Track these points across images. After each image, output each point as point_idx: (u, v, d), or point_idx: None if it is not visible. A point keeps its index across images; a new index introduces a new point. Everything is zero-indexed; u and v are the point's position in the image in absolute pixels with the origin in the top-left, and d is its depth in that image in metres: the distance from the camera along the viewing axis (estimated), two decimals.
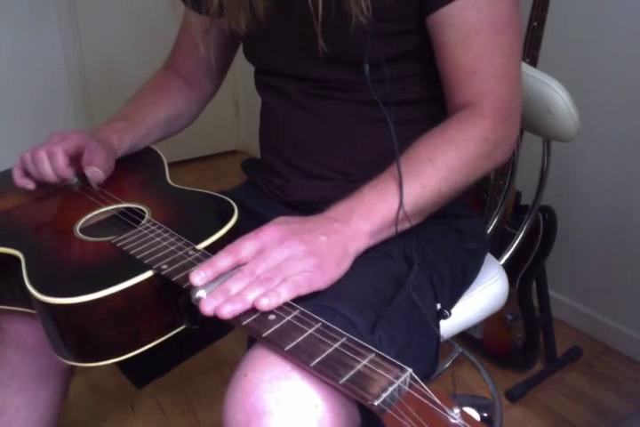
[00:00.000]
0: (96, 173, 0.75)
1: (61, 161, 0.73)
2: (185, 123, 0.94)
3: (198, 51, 0.86)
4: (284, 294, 0.50)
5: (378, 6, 0.65)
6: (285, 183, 0.81)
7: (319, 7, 0.65)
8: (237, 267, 0.53)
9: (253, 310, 0.50)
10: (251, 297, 0.49)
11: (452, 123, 0.67)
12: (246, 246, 0.53)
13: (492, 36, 0.65)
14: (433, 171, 0.63)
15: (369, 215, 0.59)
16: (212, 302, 0.49)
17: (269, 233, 0.54)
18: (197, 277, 0.51)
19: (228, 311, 0.48)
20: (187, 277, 0.54)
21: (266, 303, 0.49)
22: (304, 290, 0.51)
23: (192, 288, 0.51)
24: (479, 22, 0.64)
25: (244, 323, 0.49)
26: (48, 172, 0.73)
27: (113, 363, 0.58)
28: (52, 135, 0.77)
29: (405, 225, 0.63)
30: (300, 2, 0.66)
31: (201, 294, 0.50)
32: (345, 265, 0.56)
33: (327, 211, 0.60)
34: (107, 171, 0.78)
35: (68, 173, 0.75)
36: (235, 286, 0.50)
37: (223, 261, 0.53)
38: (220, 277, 0.52)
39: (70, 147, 0.75)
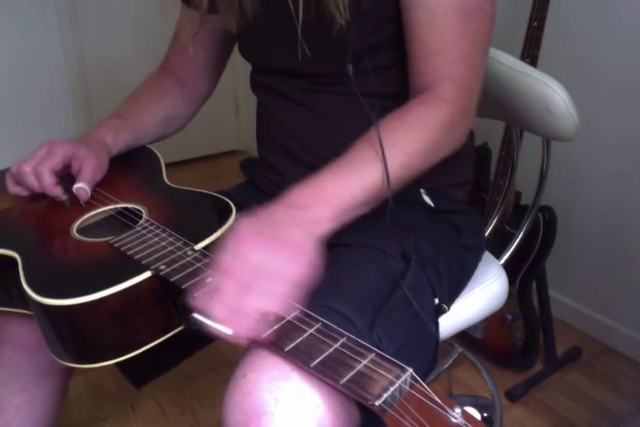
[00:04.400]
0: (81, 189, 0.74)
1: (48, 180, 0.73)
2: (182, 123, 0.94)
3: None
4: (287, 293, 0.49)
5: (354, 4, 0.65)
6: (281, 178, 0.82)
7: (299, 8, 0.66)
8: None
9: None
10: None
11: (412, 106, 0.67)
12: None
13: (459, 19, 0.65)
14: (393, 156, 0.62)
15: (331, 201, 0.59)
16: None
17: (247, 244, 0.52)
18: None
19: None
20: (186, 280, 0.55)
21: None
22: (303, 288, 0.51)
23: None
24: (448, 4, 0.65)
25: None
26: (35, 188, 0.73)
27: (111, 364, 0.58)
28: (39, 147, 0.76)
29: (364, 209, 0.62)
30: (283, 2, 0.67)
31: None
32: (318, 250, 0.55)
33: (291, 195, 0.59)
34: (98, 174, 0.77)
35: (57, 191, 0.74)
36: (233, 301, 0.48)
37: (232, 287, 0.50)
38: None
39: (56, 164, 0.74)
